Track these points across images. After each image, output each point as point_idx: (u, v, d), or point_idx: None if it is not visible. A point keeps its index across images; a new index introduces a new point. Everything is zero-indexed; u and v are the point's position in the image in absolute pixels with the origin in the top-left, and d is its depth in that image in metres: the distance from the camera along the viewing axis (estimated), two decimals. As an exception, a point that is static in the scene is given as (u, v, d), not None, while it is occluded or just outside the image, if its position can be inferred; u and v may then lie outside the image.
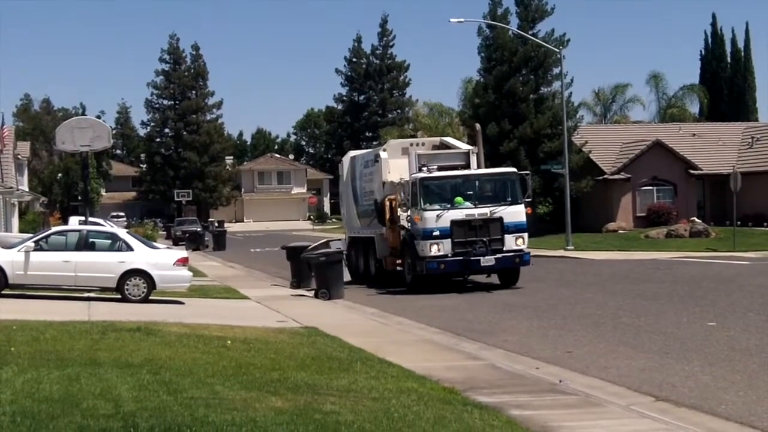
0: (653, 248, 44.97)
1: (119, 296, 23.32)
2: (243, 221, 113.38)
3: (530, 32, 58.29)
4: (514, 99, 59.15)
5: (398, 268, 29.29)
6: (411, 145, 31.37)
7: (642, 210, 57.88)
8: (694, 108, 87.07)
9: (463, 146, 31.63)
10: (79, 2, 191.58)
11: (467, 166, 29.56)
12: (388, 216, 29.11)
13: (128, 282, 23.29)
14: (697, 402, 11.85)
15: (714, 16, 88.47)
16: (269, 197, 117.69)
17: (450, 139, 33.62)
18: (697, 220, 52.12)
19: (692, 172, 58.47)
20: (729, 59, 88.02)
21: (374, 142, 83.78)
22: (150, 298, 23.41)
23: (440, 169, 28.69)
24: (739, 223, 47.25)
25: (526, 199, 28.21)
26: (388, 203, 29.13)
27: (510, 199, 27.77)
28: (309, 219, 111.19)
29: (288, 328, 19.05)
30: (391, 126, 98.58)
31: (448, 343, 17.64)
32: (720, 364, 14.51)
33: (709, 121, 75.13)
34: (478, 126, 33.38)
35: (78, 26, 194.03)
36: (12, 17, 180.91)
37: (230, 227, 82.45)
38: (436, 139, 34.04)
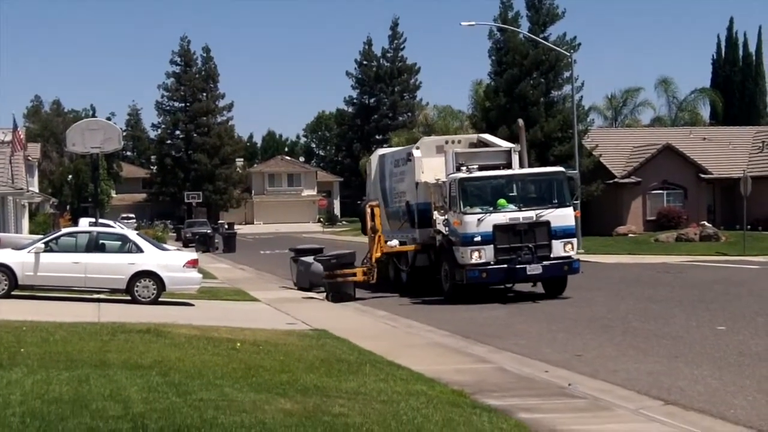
0: (663, 252, 44.91)
1: (129, 298, 23.37)
2: (253, 223, 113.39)
3: (541, 36, 58.19)
4: (525, 102, 59.07)
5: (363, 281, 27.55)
6: (447, 142, 29.62)
7: (652, 214, 57.82)
8: (705, 112, 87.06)
9: (504, 144, 29.40)
10: (89, 4, 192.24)
11: (508, 166, 27.48)
12: (369, 224, 27.83)
13: (138, 284, 23.33)
14: (706, 406, 11.83)
15: (731, 20, 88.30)
16: (279, 200, 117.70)
17: (488, 137, 31.40)
18: (707, 224, 52.02)
19: (703, 176, 58.39)
20: (741, 63, 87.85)
21: (384, 145, 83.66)
22: (160, 299, 23.45)
23: (480, 168, 26.51)
24: (749, 227, 47.15)
25: (575, 201, 26.45)
26: (369, 210, 27.93)
27: (557, 201, 25.81)
28: (319, 221, 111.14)
29: (297, 331, 19.06)
30: (401, 129, 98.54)
31: (457, 346, 17.64)
32: (729, 368, 14.49)
33: (722, 125, 75.00)
34: (521, 122, 30.72)
35: (88, 28, 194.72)
36: (22, 19, 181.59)
37: (240, 229, 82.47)
38: (474, 137, 31.90)
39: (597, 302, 24.68)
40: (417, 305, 25.67)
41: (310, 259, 30.34)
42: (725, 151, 61.94)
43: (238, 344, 15.73)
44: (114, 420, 8.94)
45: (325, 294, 27.17)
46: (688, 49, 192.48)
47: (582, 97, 58.51)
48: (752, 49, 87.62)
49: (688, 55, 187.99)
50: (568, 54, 54.06)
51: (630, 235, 55.24)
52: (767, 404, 11.89)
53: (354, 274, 27.53)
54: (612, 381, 13.68)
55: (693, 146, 61.22)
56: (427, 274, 28.22)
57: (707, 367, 14.62)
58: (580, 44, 58.30)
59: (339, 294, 26.77)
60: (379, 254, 27.87)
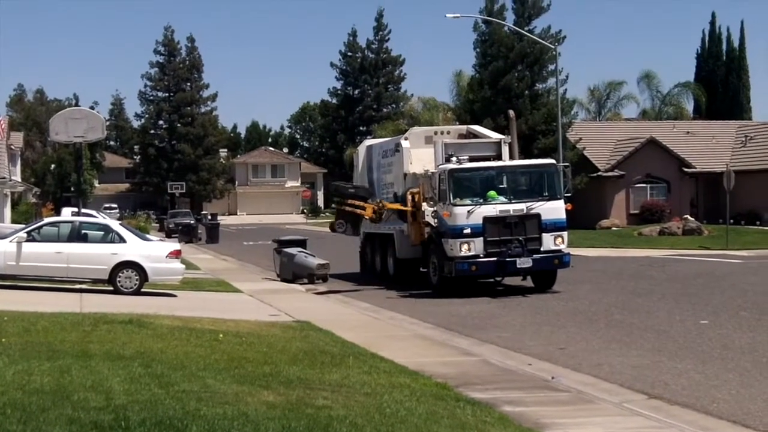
0: (646, 246, 45.00)
1: (111, 288, 23.23)
2: (236, 214, 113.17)
3: (526, 28, 58.31)
4: (510, 95, 59.17)
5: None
6: (436, 133, 29.22)
7: (635, 207, 58.02)
8: (689, 106, 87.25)
9: (494, 135, 29.17)
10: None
11: (498, 158, 27.19)
12: (410, 210, 26.82)
13: (120, 274, 23.19)
14: (690, 400, 11.84)
15: (714, 15, 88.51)
16: (263, 190, 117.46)
17: (478, 128, 30.96)
18: (690, 218, 52.20)
19: (686, 170, 58.60)
20: (724, 58, 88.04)
21: (368, 137, 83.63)
22: (142, 290, 23.32)
23: (470, 160, 26.23)
24: (732, 221, 47.30)
25: (566, 194, 26.15)
26: (410, 197, 26.87)
27: (548, 193, 25.52)
28: (302, 212, 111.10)
29: (280, 322, 19.00)
30: (386, 120, 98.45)
31: (440, 339, 17.63)
32: (712, 362, 14.52)
33: (705, 119, 75.24)
34: (511, 113, 30.50)
35: (72, 16, 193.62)
36: (6, 7, 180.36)
37: (223, 220, 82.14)
38: (463, 128, 31.37)
39: (580, 295, 24.67)
40: (402, 298, 25.46)
41: (293, 250, 30.29)
42: (708, 145, 62.17)
43: (221, 335, 15.67)
44: (96, 411, 8.87)
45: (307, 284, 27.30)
46: (673, 43, 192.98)
47: (566, 90, 58.72)
48: (736, 43, 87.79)
49: (674, 49, 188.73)
50: (553, 47, 54.11)
51: (613, 228, 55.37)
52: (750, 398, 11.92)
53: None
54: (595, 374, 13.69)
55: (676, 140, 61.41)
56: (414, 266, 27.96)
57: (691, 360, 14.65)
58: (565, 37, 58.73)
59: None
60: (419, 239, 26.96)
